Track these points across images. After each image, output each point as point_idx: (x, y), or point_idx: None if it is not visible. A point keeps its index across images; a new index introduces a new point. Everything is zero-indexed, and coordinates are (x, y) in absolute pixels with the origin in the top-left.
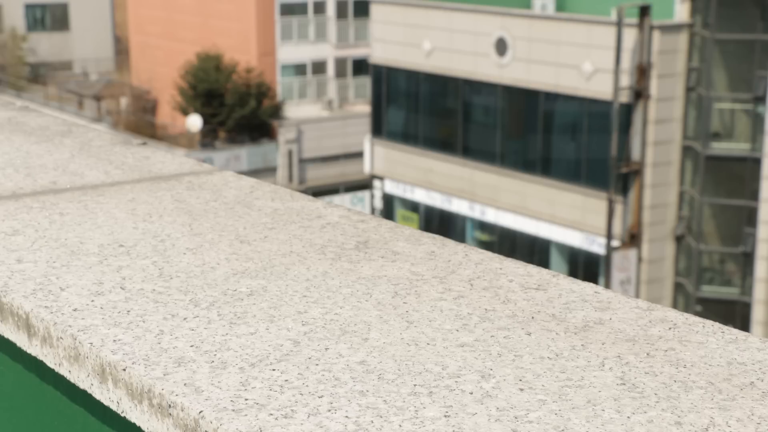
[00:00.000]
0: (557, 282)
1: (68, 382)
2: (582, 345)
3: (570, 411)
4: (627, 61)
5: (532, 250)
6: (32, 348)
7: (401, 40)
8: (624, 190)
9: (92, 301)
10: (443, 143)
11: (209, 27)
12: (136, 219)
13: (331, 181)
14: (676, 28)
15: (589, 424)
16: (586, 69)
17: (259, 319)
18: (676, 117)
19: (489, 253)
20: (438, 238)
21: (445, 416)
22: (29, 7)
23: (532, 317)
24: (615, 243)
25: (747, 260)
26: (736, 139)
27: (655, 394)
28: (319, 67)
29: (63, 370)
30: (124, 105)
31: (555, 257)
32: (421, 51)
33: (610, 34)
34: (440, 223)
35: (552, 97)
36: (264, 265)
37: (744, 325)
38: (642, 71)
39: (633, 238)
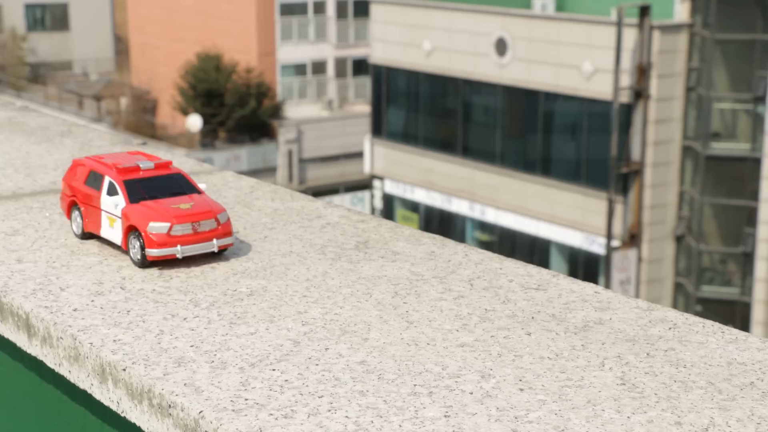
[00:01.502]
0: (557, 282)
1: (68, 382)
2: (582, 345)
3: (570, 411)
4: (627, 61)
5: (532, 250)
6: (32, 348)
7: (401, 40)
8: (624, 190)
9: (92, 301)
10: (443, 143)
11: (209, 27)
12: None
13: (331, 181)
14: (676, 28)
15: (589, 424)
16: (586, 69)
17: (259, 319)
18: (676, 117)
19: (489, 253)
20: (438, 238)
21: (445, 416)
22: (29, 7)
23: (532, 317)
24: (615, 243)
25: (747, 260)
26: (736, 139)
27: (655, 394)
28: (319, 67)
29: (63, 370)
30: (124, 105)
31: (555, 257)
32: (421, 51)
33: (610, 34)
34: (440, 223)
35: (552, 97)
36: (264, 265)
37: (744, 325)
38: (642, 71)
39: (633, 238)
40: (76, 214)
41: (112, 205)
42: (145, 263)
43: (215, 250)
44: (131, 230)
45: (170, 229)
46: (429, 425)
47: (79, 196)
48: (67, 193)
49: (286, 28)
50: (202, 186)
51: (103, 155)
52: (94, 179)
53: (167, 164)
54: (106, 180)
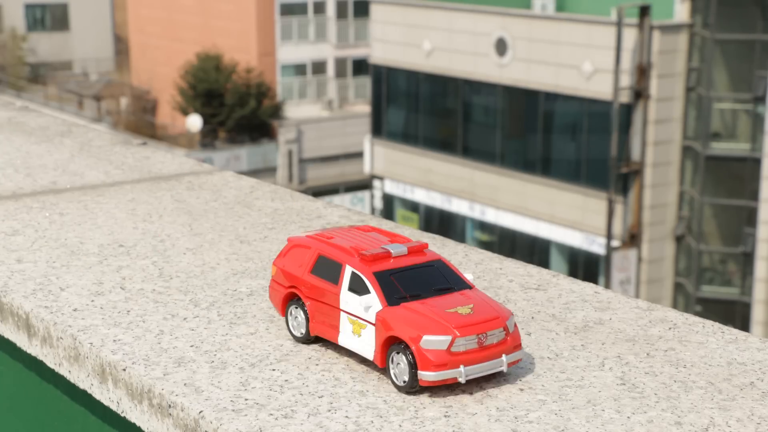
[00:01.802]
0: (557, 282)
1: (68, 382)
2: (582, 345)
3: (570, 411)
4: (627, 61)
5: (532, 250)
6: (32, 348)
7: (401, 40)
8: (624, 190)
9: (92, 301)
10: (443, 143)
11: (209, 27)
12: (136, 219)
13: (331, 181)
14: (676, 28)
15: (589, 424)
16: (586, 69)
17: (259, 319)
18: (676, 117)
19: (489, 253)
20: (438, 238)
21: (445, 416)
22: (29, 7)
23: (532, 317)
24: (615, 243)
25: (747, 260)
26: (736, 139)
27: (655, 394)
28: (319, 67)
29: (63, 370)
30: (124, 105)
31: (555, 257)
32: (421, 51)
33: (610, 34)
34: (440, 223)
35: (552, 97)
36: (264, 265)
37: (744, 325)
38: (642, 71)
39: (633, 238)
40: (296, 310)
41: (360, 307)
42: (414, 388)
43: (504, 369)
44: (393, 343)
45: (451, 343)
46: (429, 425)
47: (302, 289)
48: (282, 282)
49: (286, 28)
50: (468, 276)
51: (327, 233)
52: (325, 267)
53: (422, 247)
54: (347, 270)
